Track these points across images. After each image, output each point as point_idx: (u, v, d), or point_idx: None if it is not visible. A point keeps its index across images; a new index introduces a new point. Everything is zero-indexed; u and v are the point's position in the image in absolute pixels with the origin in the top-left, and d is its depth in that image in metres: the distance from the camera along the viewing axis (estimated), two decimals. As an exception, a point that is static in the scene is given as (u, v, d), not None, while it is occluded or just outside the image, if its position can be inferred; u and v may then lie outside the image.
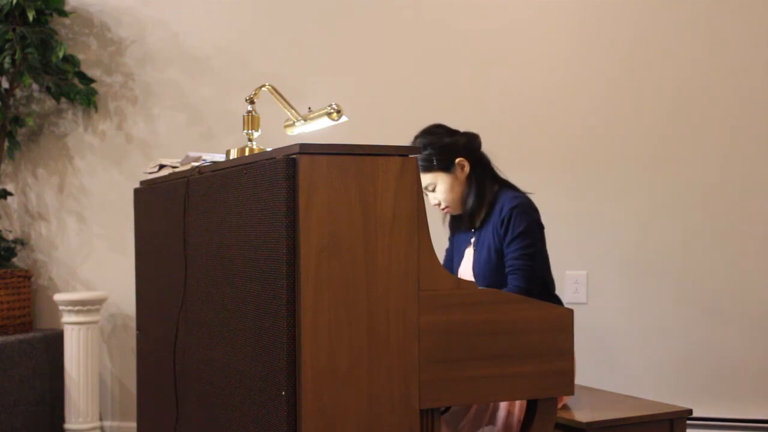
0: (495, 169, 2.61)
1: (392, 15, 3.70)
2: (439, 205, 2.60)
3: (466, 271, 2.60)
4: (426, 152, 2.53)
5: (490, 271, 2.49)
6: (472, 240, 2.61)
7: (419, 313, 1.84)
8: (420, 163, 2.53)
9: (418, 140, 2.57)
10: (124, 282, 3.67)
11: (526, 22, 3.57)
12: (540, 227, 2.50)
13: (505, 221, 2.45)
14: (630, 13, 3.48)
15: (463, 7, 3.63)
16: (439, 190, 2.56)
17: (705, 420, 3.33)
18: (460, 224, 2.66)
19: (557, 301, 2.55)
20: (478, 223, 2.58)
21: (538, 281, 2.46)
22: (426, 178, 2.56)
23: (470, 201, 2.55)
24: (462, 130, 2.62)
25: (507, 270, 2.46)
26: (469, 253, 2.61)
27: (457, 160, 2.54)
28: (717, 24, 3.41)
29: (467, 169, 2.55)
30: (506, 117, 3.56)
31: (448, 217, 2.70)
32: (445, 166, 2.54)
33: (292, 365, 1.76)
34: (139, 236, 2.83)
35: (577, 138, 3.51)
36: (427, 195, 2.59)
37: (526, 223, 2.44)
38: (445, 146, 2.54)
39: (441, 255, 2.72)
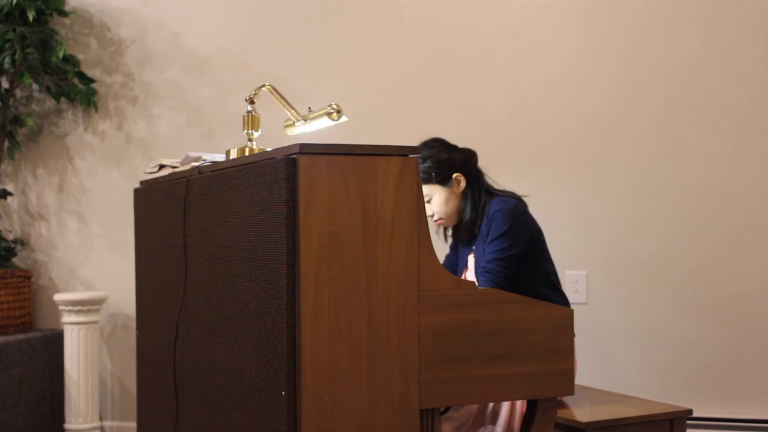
0: (489, 182, 2.68)
1: (392, 16, 3.70)
2: (431, 216, 2.65)
3: (470, 278, 2.64)
4: (425, 165, 2.60)
5: None
6: (474, 247, 2.66)
7: (419, 313, 1.84)
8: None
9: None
10: (124, 282, 3.67)
11: (525, 22, 3.57)
12: (521, 230, 2.52)
13: (488, 224, 2.53)
14: (629, 14, 3.48)
15: (462, 7, 3.62)
16: (434, 202, 2.63)
17: (705, 420, 3.33)
18: (459, 237, 2.71)
19: (564, 297, 2.60)
20: (476, 234, 2.64)
21: (510, 284, 2.49)
22: (422, 190, 2.58)
23: (466, 214, 2.61)
24: (459, 143, 2.68)
25: (479, 270, 2.51)
26: (471, 261, 2.67)
27: (454, 175, 2.61)
28: (717, 24, 3.41)
29: (463, 184, 2.62)
30: (506, 117, 3.56)
31: (441, 229, 2.76)
32: (442, 180, 2.61)
33: (292, 365, 1.76)
34: (139, 236, 2.83)
35: (577, 138, 3.51)
36: None
37: (506, 226, 2.49)
38: (443, 161, 2.61)
39: (441, 257, 2.72)
